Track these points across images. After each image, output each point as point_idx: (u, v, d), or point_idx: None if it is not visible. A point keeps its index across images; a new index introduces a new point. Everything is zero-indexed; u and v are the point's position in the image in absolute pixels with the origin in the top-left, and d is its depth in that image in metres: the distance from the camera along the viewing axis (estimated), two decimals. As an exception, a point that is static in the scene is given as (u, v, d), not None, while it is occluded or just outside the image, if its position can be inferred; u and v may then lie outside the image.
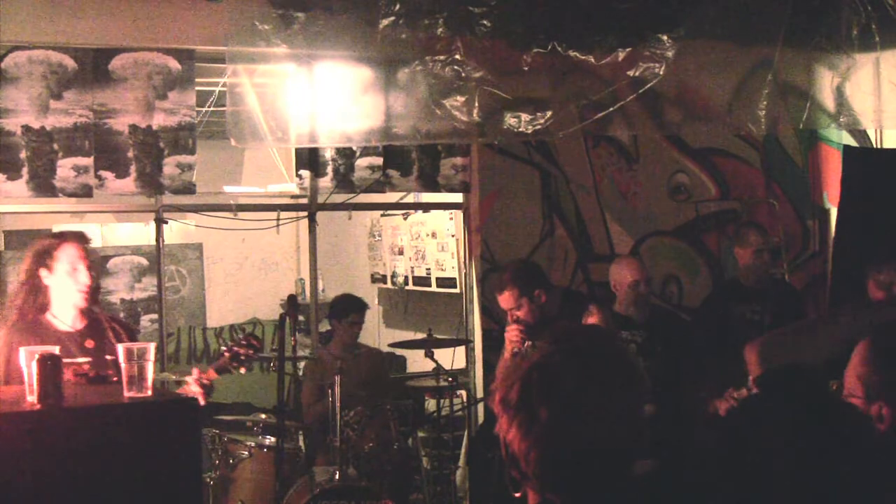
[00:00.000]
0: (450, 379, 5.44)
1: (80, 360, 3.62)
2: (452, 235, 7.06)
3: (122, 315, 5.98)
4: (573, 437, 1.65)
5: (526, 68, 5.64)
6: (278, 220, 5.86)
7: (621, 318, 5.05)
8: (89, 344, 3.79)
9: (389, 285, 8.53)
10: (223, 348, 4.08)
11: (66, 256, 3.77)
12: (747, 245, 5.40)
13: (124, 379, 3.03)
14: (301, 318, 7.19)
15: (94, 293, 3.87)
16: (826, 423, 1.99)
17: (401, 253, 8.18)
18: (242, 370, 4.01)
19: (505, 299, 4.65)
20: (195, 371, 3.84)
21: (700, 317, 5.63)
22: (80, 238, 3.90)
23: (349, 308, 6.00)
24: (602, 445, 1.66)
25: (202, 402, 3.73)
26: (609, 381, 1.69)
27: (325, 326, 6.58)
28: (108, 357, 3.72)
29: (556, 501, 1.68)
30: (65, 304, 3.81)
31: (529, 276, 4.72)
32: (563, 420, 1.65)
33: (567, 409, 1.66)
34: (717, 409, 4.59)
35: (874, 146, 6.77)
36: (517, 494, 1.74)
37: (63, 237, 3.89)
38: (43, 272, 3.78)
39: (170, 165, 5.42)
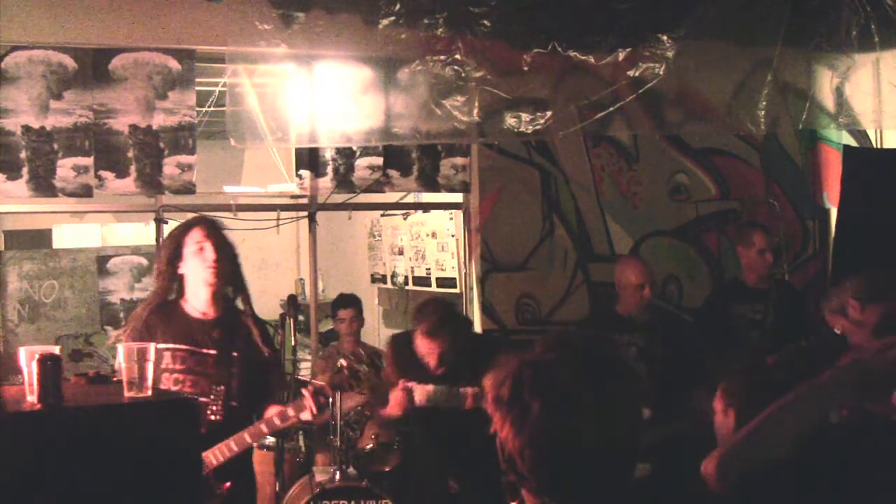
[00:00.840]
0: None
1: (208, 351, 3.72)
2: (452, 235, 7.06)
3: (122, 315, 5.96)
4: (567, 433, 1.62)
5: (526, 68, 5.65)
6: (278, 220, 5.87)
7: (622, 319, 5.05)
8: (216, 334, 3.79)
9: (389, 285, 8.52)
10: (340, 363, 3.95)
11: (192, 240, 3.80)
12: (751, 245, 5.40)
13: (124, 379, 3.03)
14: (301, 317, 7.20)
15: (226, 272, 3.82)
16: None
17: (401, 253, 8.17)
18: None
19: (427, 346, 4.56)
20: (312, 387, 3.74)
21: (701, 317, 5.63)
22: (205, 220, 3.95)
23: (336, 304, 6.09)
24: (598, 445, 1.63)
25: (311, 419, 3.68)
26: (604, 381, 1.67)
27: (325, 326, 6.59)
28: (234, 354, 3.76)
29: None
30: (197, 288, 3.80)
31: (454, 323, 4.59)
32: (556, 414, 1.62)
33: (560, 403, 1.63)
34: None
35: (874, 146, 6.77)
36: (514, 503, 1.72)
37: (189, 224, 3.90)
38: (177, 262, 3.80)
39: (170, 165, 5.42)
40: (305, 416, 3.66)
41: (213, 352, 3.75)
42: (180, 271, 3.82)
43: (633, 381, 1.72)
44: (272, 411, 3.70)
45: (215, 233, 3.85)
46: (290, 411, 3.66)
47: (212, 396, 3.72)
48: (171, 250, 3.82)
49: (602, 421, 1.63)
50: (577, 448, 1.63)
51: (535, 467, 1.63)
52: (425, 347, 4.56)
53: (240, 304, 3.93)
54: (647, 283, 5.07)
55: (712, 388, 4.70)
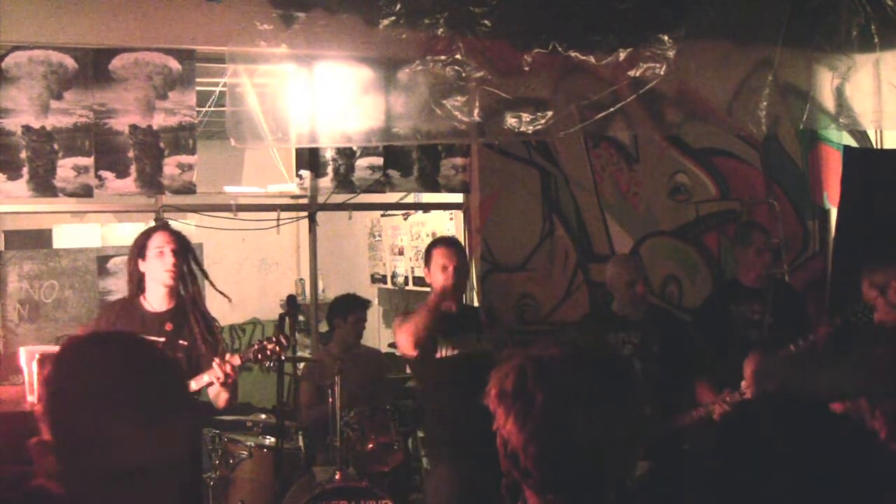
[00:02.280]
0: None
1: (155, 339, 4.07)
2: (453, 235, 7.06)
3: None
4: (571, 427, 1.62)
5: (526, 68, 5.65)
6: (278, 220, 5.86)
7: (617, 318, 5.04)
8: (168, 326, 4.23)
9: (389, 285, 8.53)
10: (257, 340, 4.35)
11: (155, 243, 4.26)
12: (749, 245, 5.39)
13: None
14: (301, 318, 7.19)
15: (183, 275, 4.29)
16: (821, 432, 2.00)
17: (401, 253, 8.18)
18: (268, 365, 4.34)
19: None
20: (217, 358, 4.11)
21: (701, 317, 5.63)
22: (167, 227, 4.47)
23: (353, 306, 6.04)
24: (601, 441, 1.63)
25: (225, 394, 4.14)
26: (607, 377, 1.68)
27: (325, 326, 6.57)
28: (181, 342, 4.20)
29: (557, 502, 1.66)
30: (155, 286, 4.27)
31: None
32: (560, 407, 1.62)
33: (564, 396, 1.63)
34: (709, 412, 4.59)
35: (874, 147, 6.77)
36: None
37: (153, 229, 4.42)
38: (139, 262, 4.28)
39: (170, 165, 5.42)
40: (211, 379, 4.07)
41: (161, 339, 4.13)
42: (141, 269, 4.29)
43: (636, 380, 1.73)
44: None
45: (175, 239, 4.30)
46: (205, 377, 4.07)
47: None
48: (136, 251, 4.31)
49: (605, 417, 1.64)
50: (580, 443, 1.63)
51: (538, 462, 1.63)
52: (446, 257, 4.67)
53: (188, 294, 4.34)
54: (639, 280, 5.04)
55: (713, 385, 4.72)
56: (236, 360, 4.11)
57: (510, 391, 1.66)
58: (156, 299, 4.29)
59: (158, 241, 4.26)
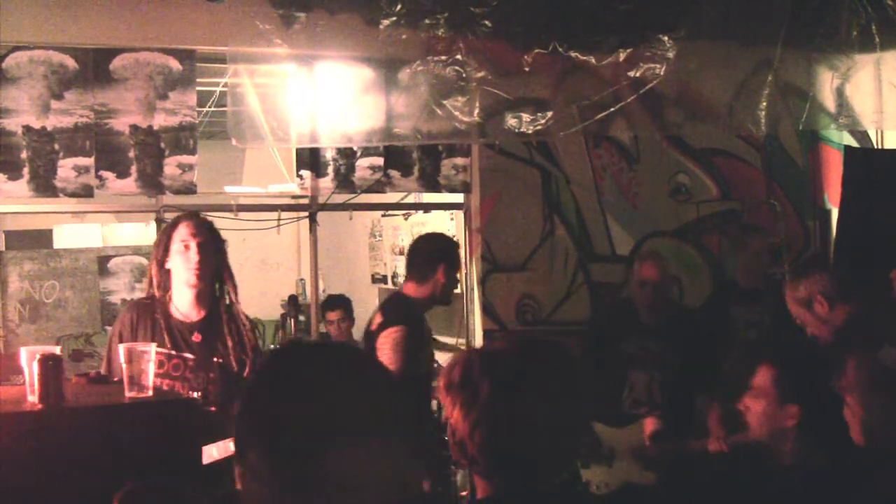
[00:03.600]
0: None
1: (187, 356, 3.60)
2: (453, 236, 7.05)
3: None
4: (515, 412, 1.68)
5: (527, 69, 5.65)
6: (279, 220, 5.86)
7: (640, 326, 4.97)
8: (196, 337, 3.69)
9: (390, 286, 8.53)
10: None
11: (179, 236, 3.70)
12: (745, 247, 5.39)
13: (125, 379, 3.03)
14: (302, 318, 7.19)
15: (209, 274, 3.71)
16: None
17: (402, 253, 8.17)
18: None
19: None
20: None
21: (701, 319, 5.63)
22: (194, 216, 3.81)
23: (324, 306, 6.11)
24: (543, 427, 1.68)
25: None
26: (549, 368, 1.73)
27: (325, 327, 6.59)
28: (216, 359, 3.64)
29: (502, 487, 1.69)
30: (180, 288, 3.71)
31: None
32: (504, 393, 1.68)
33: (508, 383, 1.69)
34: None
35: (875, 147, 6.76)
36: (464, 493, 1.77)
37: (178, 218, 3.80)
38: (165, 259, 3.73)
39: (170, 165, 5.42)
40: None
41: (191, 356, 3.63)
42: (167, 266, 3.74)
43: (578, 375, 1.78)
44: None
45: (203, 230, 3.74)
46: None
47: None
48: (162, 245, 3.75)
49: (548, 403, 1.69)
50: (523, 429, 1.67)
51: (484, 447, 1.68)
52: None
53: (228, 298, 3.83)
54: (652, 282, 4.93)
55: (711, 395, 4.67)
56: None
57: (457, 382, 1.72)
58: (183, 304, 3.73)
59: (183, 234, 3.69)
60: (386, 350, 4.12)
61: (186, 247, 3.67)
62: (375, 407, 1.39)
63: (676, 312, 5.25)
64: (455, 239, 6.89)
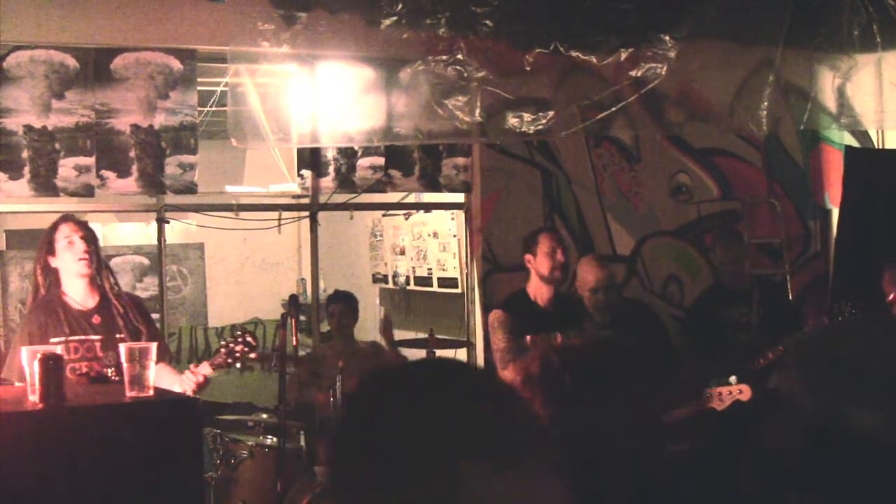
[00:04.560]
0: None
1: (94, 337, 3.97)
2: (454, 235, 7.06)
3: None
4: (593, 409, 1.65)
5: (528, 68, 5.65)
6: (280, 219, 5.86)
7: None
8: (96, 320, 4.05)
9: (391, 285, 8.52)
10: (221, 345, 4.23)
11: (62, 234, 4.06)
12: (716, 258, 5.55)
13: (126, 379, 3.03)
14: (302, 317, 7.19)
15: (95, 260, 4.08)
16: None
17: (402, 253, 8.17)
18: (238, 366, 4.24)
19: None
20: (192, 366, 4.05)
21: (690, 322, 5.68)
22: (71, 217, 4.22)
23: (328, 300, 6.11)
24: (618, 427, 1.66)
25: (191, 394, 3.91)
26: (624, 366, 1.72)
27: (326, 326, 6.58)
28: (119, 336, 3.99)
29: (576, 485, 1.68)
30: (72, 280, 4.07)
31: None
32: (584, 388, 1.66)
33: (588, 379, 1.67)
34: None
35: (876, 147, 6.76)
36: None
37: (57, 221, 4.16)
38: (49, 258, 4.07)
39: (171, 165, 5.42)
40: (183, 388, 3.93)
41: (98, 337, 4.00)
42: (53, 265, 4.07)
43: (650, 373, 1.77)
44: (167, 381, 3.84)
45: (81, 227, 4.11)
46: (177, 387, 3.90)
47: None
48: (44, 247, 4.09)
49: (624, 401, 1.67)
50: (601, 425, 1.66)
51: (561, 442, 1.65)
52: (556, 241, 4.80)
53: (106, 283, 4.15)
54: (601, 283, 5.08)
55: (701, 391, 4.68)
56: (208, 370, 4.02)
57: (537, 375, 1.70)
58: (78, 293, 4.07)
59: (66, 232, 4.06)
60: None
61: (71, 242, 4.03)
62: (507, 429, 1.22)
63: (628, 306, 5.44)
64: (456, 238, 6.91)
